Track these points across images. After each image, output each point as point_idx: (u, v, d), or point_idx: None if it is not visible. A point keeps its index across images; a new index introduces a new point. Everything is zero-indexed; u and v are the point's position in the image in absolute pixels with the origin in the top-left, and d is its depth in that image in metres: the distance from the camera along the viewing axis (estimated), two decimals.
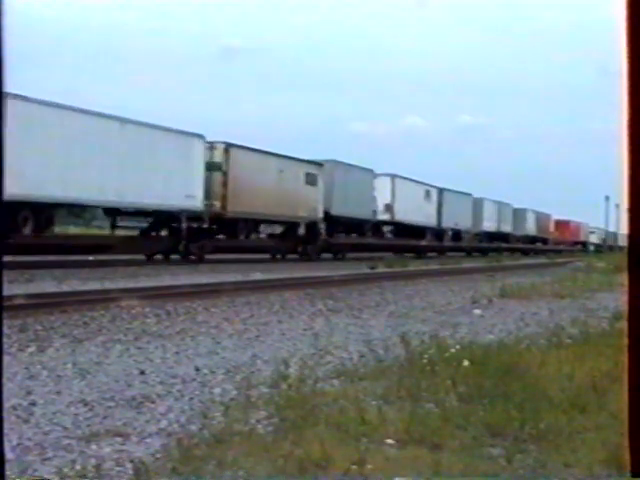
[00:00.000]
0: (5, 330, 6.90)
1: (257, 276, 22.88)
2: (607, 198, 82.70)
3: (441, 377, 6.73)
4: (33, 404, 6.04)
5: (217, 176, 33.51)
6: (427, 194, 55.20)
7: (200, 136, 32.79)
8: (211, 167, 33.36)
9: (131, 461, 4.57)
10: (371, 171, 47.56)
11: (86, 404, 6.13)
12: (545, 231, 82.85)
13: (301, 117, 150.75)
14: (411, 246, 51.47)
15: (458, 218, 58.87)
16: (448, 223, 57.53)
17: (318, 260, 39.07)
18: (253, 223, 37.02)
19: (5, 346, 7.94)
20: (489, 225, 65.72)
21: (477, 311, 14.77)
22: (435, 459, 4.58)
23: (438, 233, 56.59)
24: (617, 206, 64.71)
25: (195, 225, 32.64)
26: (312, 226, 40.44)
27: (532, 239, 78.68)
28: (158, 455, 4.73)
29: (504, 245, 68.04)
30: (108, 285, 17.72)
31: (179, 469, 4.40)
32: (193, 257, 31.58)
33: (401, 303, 16.33)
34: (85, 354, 8.62)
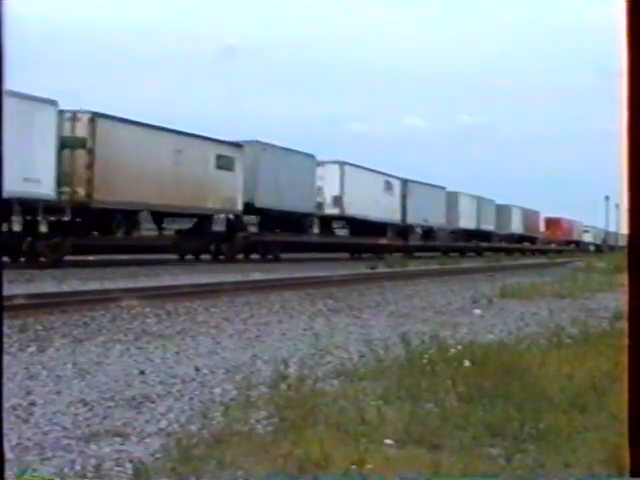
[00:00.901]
0: (5, 330, 6.87)
1: (257, 276, 22.88)
2: (607, 198, 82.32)
3: (441, 377, 6.73)
4: (33, 404, 6.04)
5: (80, 155, 26.21)
6: (387, 186, 48.66)
7: (52, 102, 25.42)
8: (71, 143, 26.03)
9: (130, 461, 4.57)
10: (312, 157, 40.75)
11: (86, 404, 6.13)
12: (533, 229, 77.79)
13: (301, 117, 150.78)
14: (368, 245, 46.26)
15: (428, 214, 53.06)
16: (415, 219, 52.03)
17: (236, 261, 32.96)
18: (135, 216, 29.82)
19: (5, 346, 7.94)
20: (467, 222, 60.20)
21: (477, 311, 14.76)
22: (434, 459, 4.58)
23: (403, 230, 50.76)
24: (617, 206, 64.55)
25: (53, 218, 25.60)
26: (232, 221, 34.60)
27: (519, 238, 73.71)
28: (157, 455, 4.73)
29: (485, 245, 63.12)
30: (108, 285, 17.73)
31: (178, 469, 4.40)
32: (43, 259, 24.71)
33: (401, 303, 16.32)
34: (85, 354, 8.62)
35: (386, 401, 6.08)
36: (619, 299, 12.46)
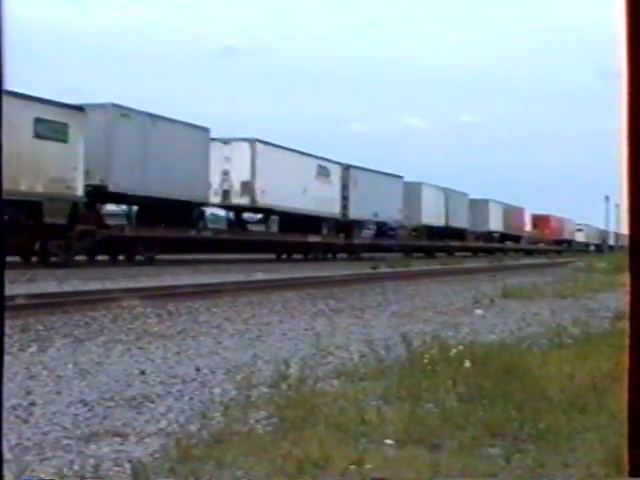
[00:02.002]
0: (6, 330, 6.88)
1: (259, 276, 22.88)
2: (607, 198, 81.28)
3: (441, 377, 6.72)
4: (33, 404, 6.04)
5: None
6: (322, 171, 40.67)
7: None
8: None
9: (129, 461, 4.57)
10: (204, 130, 31.88)
11: (86, 404, 6.12)
12: (517, 227, 71.35)
13: (300, 117, 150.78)
14: (295, 244, 39.14)
15: (380, 207, 45.39)
16: (361, 213, 44.27)
17: (76, 266, 24.93)
18: None
19: (6, 346, 7.92)
20: (432, 218, 53.24)
21: (479, 311, 14.75)
22: (434, 459, 4.57)
23: (345, 226, 43.35)
24: (617, 206, 64.14)
25: None
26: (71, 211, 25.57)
27: (501, 236, 67.78)
28: (157, 455, 4.72)
29: (456, 244, 57.19)
30: (109, 285, 17.73)
31: (178, 469, 4.40)
32: None
33: (403, 303, 16.32)
34: (86, 354, 8.62)
35: (386, 401, 6.07)
36: (620, 299, 12.44)
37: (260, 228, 38.91)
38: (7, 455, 4.30)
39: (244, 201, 34.97)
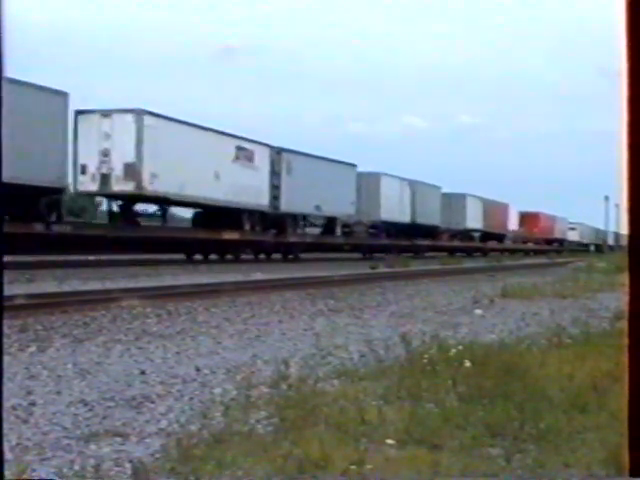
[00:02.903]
0: (6, 330, 6.87)
1: (258, 276, 22.88)
2: (607, 198, 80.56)
3: (441, 377, 6.73)
4: (33, 404, 6.04)
5: None
6: (243, 154, 33.36)
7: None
8: None
9: (130, 461, 4.57)
10: (58, 94, 25.40)
11: (86, 404, 6.12)
12: (500, 225, 65.17)
13: (300, 117, 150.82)
14: (207, 241, 31.86)
15: (326, 200, 39.27)
16: (299, 206, 37.51)
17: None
18: None
19: (5, 346, 7.94)
20: (394, 214, 46.89)
21: (478, 311, 14.76)
22: (435, 459, 4.58)
23: (275, 221, 36.32)
24: (617, 206, 63.78)
25: None
26: None
27: (483, 235, 61.76)
28: (157, 455, 4.73)
29: (426, 243, 51.15)
30: (109, 285, 17.73)
31: (178, 469, 4.40)
32: None
33: (402, 303, 16.32)
34: (85, 354, 8.62)
35: (386, 401, 6.07)
36: (620, 299, 12.45)
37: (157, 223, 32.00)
38: (8, 455, 4.30)
39: (128, 188, 28.01)
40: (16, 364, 7.64)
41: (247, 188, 33.29)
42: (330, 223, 42.10)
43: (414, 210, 50.09)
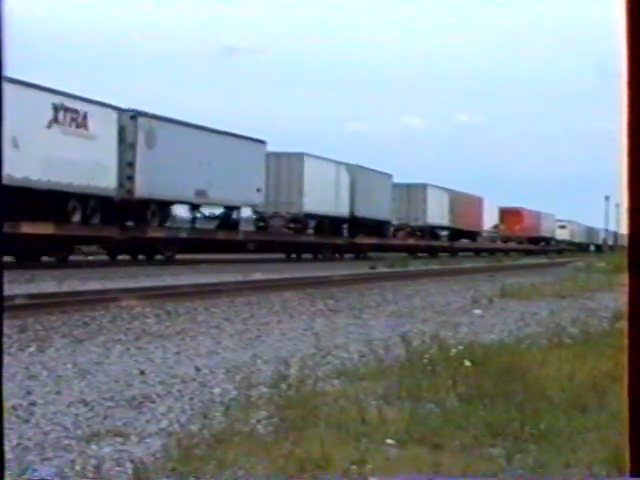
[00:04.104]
0: (5, 330, 6.87)
1: (257, 276, 22.88)
2: (607, 198, 79.80)
3: (441, 377, 6.73)
4: (33, 404, 6.04)
5: None
6: (68, 116, 24.59)
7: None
8: None
9: (131, 461, 4.57)
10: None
11: (86, 404, 6.12)
12: (472, 221, 57.70)
13: (300, 117, 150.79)
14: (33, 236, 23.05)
15: (215, 184, 30.96)
16: (168, 190, 28.44)
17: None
18: None
19: (5, 346, 7.93)
20: (325, 205, 39.00)
21: (477, 311, 14.76)
22: (435, 459, 4.58)
23: (127, 210, 27.55)
24: (617, 206, 63.12)
25: None
26: None
27: (453, 233, 54.65)
28: (158, 455, 4.73)
29: (370, 242, 43.62)
30: (108, 285, 17.72)
31: (179, 469, 4.40)
32: None
33: (401, 303, 16.32)
34: (85, 354, 8.62)
35: (387, 401, 6.08)
36: (619, 299, 12.46)
37: None
38: (8, 455, 4.30)
39: None
40: (16, 364, 7.64)
41: (75, 164, 24.53)
42: (228, 218, 34.33)
43: (354, 201, 42.18)
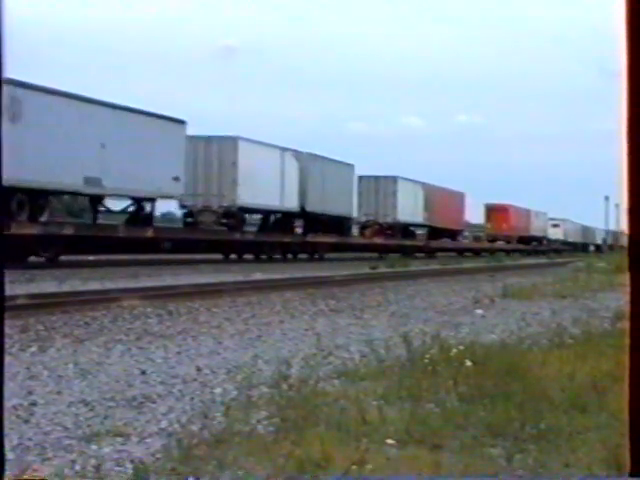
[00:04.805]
0: (7, 330, 6.87)
1: (258, 276, 22.88)
2: (607, 198, 78.99)
3: (442, 377, 6.73)
4: (34, 404, 6.04)
5: None
6: None
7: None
8: None
9: (131, 461, 4.57)
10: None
11: (87, 404, 6.12)
12: (452, 219, 53.33)
13: (300, 117, 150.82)
14: None
15: (111, 170, 25.80)
16: (37, 175, 23.03)
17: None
18: None
19: (6, 346, 7.94)
20: (268, 198, 33.97)
21: (479, 311, 14.77)
22: (435, 459, 4.58)
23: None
24: (617, 206, 62.69)
25: None
26: None
27: (431, 231, 50.12)
28: (158, 455, 4.73)
29: (324, 240, 38.50)
30: (109, 285, 17.73)
31: (179, 469, 4.40)
32: None
33: (403, 303, 16.32)
34: (86, 354, 8.62)
35: (387, 401, 6.07)
36: (620, 299, 12.46)
37: None
38: (9, 455, 4.30)
39: None
40: (17, 364, 7.64)
41: None
42: (138, 212, 29.26)
43: (305, 194, 37.00)
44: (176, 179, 29.30)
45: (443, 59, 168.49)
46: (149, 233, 28.88)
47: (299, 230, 38.97)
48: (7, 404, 4.28)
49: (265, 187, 33.82)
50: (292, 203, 36.55)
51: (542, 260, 53.58)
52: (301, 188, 37.01)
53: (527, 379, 6.62)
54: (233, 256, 34.09)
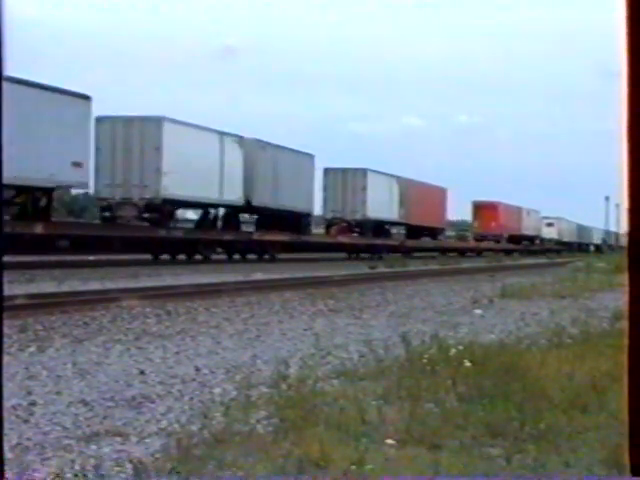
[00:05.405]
0: (5, 330, 6.87)
1: (258, 276, 22.87)
2: (607, 198, 78.98)
3: (441, 377, 6.73)
4: (33, 404, 6.04)
5: None
6: None
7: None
8: None
9: (130, 461, 4.57)
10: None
11: (86, 404, 6.12)
12: (433, 216, 49.20)
13: (300, 117, 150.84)
14: None
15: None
16: None
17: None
18: None
19: (5, 346, 7.93)
20: (196, 190, 29.22)
21: (478, 311, 14.77)
22: (435, 459, 4.58)
23: None
24: (617, 206, 62.42)
25: None
26: None
27: (410, 230, 46.66)
28: (158, 455, 4.73)
29: (271, 238, 33.93)
30: (108, 285, 17.72)
31: (179, 469, 4.40)
32: None
33: (402, 303, 16.32)
34: (85, 354, 8.62)
35: (386, 401, 6.08)
36: (619, 299, 12.46)
37: None
38: (8, 455, 4.30)
39: None
40: (16, 364, 7.64)
41: None
42: (37, 201, 24.83)
43: (252, 186, 32.60)
44: (77, 165, 24.90)
45: (443, 59, 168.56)
46: (38, 229, 23.99)
47: (251, 228, 35.66)
48: (6, 404, 4.28)
49: (199, 177, 29.16)
50: (234, 195, 31.74)
51: (542, 260, 53.56)
52: (247, 179, 32.40)
53: (526, 379, 6.62)
54: (235, 256, 33.71)
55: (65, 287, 17.23)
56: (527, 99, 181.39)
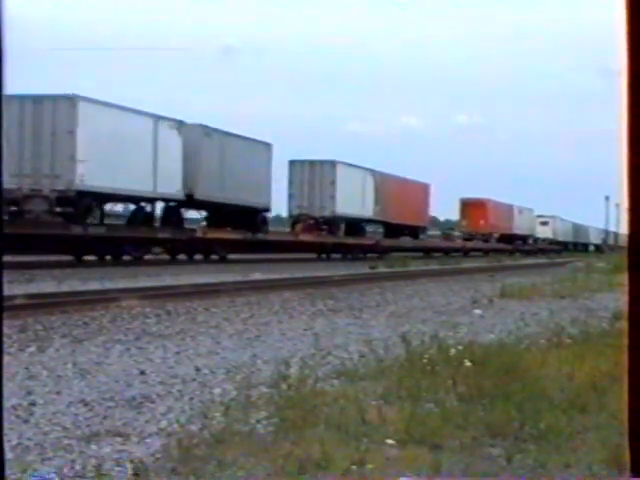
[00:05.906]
0: (5, 330, 6.87)
1: (257, 276, 22.87)
2: (607, 198, 78.95)
3: (441, 377, 6.73)
4: (33, 404, 6.04)
5: None
6: None
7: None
8: None
9: (131, 461, 4.57)
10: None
11: (86, 404, 6.12)
12: (413, 214, 45.07)
13: (298, 117, 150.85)
14: None
15: None
16: None
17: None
18: None
19: (5, 346, 7.92)
20: (120, 180, 25.66)
21: (477, 311, 14.76)
22: (435, 459, 4.58)
23: None
24: (617, 206, 62.46)
25: None
26: None
27: (388, 229, 43.52)
28: (158, 455, 4.73)
29: (218, 236, 31.01)
30: (108, 285, 17.71)
31: (179, 469, 4.40)
32: None
33: (401, 303, 16.32)
34: (85, 354, 8.62)
35: (386, 401, 6.08)
36: (619, 299, 12.46)
37: None
38: (8, 455, 4.30)
39: None
40: (16, 364, 7.64)
41: None
42: None
43: (194, 177, 29.30)
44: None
45: (443, 59, 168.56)
46: None
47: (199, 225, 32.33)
48: (6, 404, 4.28)
49: (125, 166, 25.51)
50: (171, 188, 28.17)
51: (541, 260, 53.57)
52: (188, 169, 28.82)
53: (526, 379, 6.62)
54: (234, 256, 33.49)
55: (65, 287, 17.22)
56: (527, 99, 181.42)
